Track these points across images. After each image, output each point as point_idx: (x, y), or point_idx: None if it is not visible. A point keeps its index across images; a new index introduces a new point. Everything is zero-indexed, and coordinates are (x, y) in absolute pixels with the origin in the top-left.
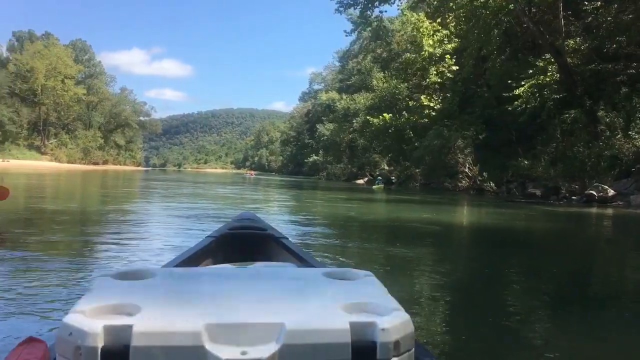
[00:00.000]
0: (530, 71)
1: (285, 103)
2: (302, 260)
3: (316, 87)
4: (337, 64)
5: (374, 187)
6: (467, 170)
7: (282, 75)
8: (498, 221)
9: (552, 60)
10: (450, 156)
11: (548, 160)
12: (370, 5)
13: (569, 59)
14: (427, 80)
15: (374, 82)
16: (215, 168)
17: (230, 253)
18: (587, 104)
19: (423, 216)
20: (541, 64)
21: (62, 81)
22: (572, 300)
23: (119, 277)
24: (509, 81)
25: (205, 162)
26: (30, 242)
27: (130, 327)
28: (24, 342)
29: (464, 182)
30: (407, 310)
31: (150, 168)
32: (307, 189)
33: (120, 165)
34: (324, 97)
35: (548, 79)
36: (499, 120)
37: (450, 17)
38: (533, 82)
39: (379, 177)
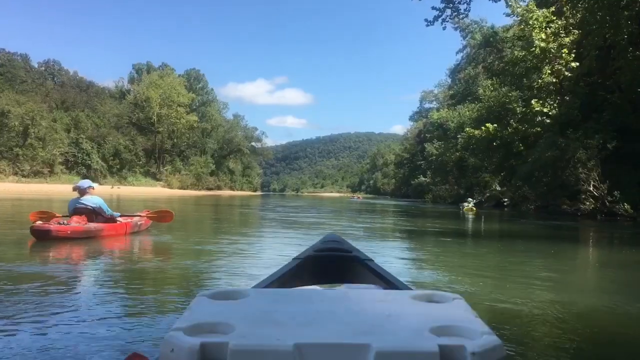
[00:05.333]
0: None
1: (402, 126)
2: (389, 283)
3: (427, 105)
4: (449, 80)
5: (464, 208)
6: (591, 189)
7: (400, 99)
8: None
9: None
10: (568, 171)
11: None
12: None
13: None
14: (540, 81)
15: (480, 91)
16: (331, 192)
17: (316, 275)
18: None
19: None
20: None
21: (176, 109)
22: None
23: (214, 297)
24: None
25: (322, 187)
26: (140, 263)
27: (226, 344)
28: (128, 358)
29: (587, 203)
30: (498, 335)
31: (262, 193)
32: (392, 213)
33: (236, 190)
34: (435, 115)
35: None
36: (636, 127)
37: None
38: None
39: (469, 198)
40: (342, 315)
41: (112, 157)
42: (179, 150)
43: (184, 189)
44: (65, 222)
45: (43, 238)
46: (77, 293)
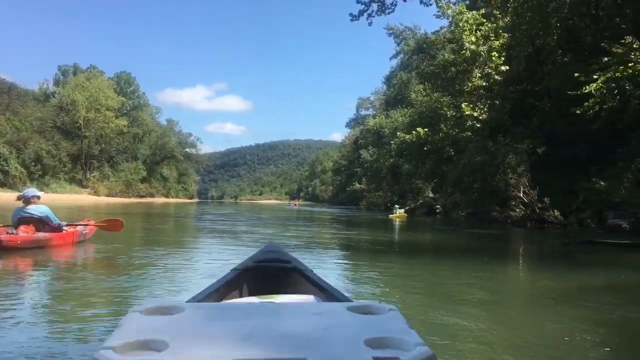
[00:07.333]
0: (606, 59)
1: (341, 133)
2: (327, 293)
3: (363, 112)
4: (385, 87)
5: (390, 216)
6: (521, 195)
7: (340, 106)
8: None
9: (636, 44)
10: (498, 177)
11: (634, 181)
12: None
13: None
14: (470, 84)
15: (413, 96)
16: (270, 199)
17: (254, 286)
18: None
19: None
20: (620, 50)
21: (104, 113)
22: None
23: (147, 312)
24: (576, 74)
25: (261, 194)
26: (82, 276)
27: None
28: None
29: (517, 210)
30: (431, 347)
31: (199, 200)
32: (321, 222)
33: (171, 197)
34: (370, 122)
35: (630, 70)
36: (564, 133)
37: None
38: (609, 75)
39: (396, 205)
40: (279, 329)
41: (33, 163)
42: (108, 156)
43: (113, 196)
44: (13, 231)
45: None
46: (11, 309)
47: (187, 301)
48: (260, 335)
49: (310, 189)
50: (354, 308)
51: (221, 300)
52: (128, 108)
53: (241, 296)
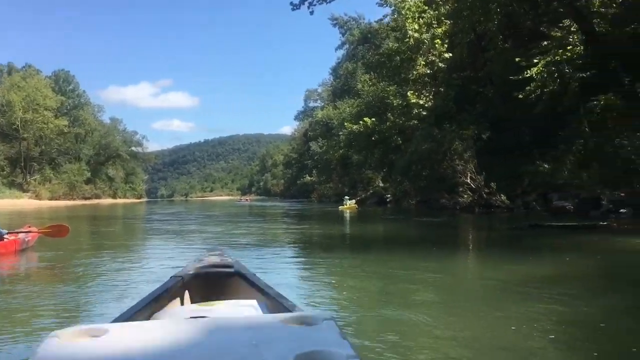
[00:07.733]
0: (545, 43)
1: (290, 126)
2: (269, 297)
3: (312, 104)
4: (332, 79)
5: (340, 207)
6: (468, 181)
7: (289, 99)
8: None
9: (574, 27)
10: (446, 164)
11: (575, 162)
12: None
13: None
14: (415, 72)
15: (359, 86)
16: (221, 195)
17: (195, 293)
18: (625, 82)
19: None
20: (559, 34)
21: (42, 114)
22: None
23: (67, 336)
24: (517, 59)
25: (212, 190)
26: (8, 289)
27: None
28: None
29: (465, 196)
30: (364, 358)
31: (148, 199)
32: (271, 217)
33: (118, 198)
34: (319, 114)
35: (569, 54)
36: (507, 118)
37: None
38: (549, 58)
39: (346, 196)
40: (208, 348)
41: None
42: (49, 158)
43: (56, 199)
44: None
45: None
46: None
47: (118, 317)
48: (189, 355)
49: (261, 183)
50: (288, 319)
51: (159, 310)
52: (68, 107)
53: (182, 304)
